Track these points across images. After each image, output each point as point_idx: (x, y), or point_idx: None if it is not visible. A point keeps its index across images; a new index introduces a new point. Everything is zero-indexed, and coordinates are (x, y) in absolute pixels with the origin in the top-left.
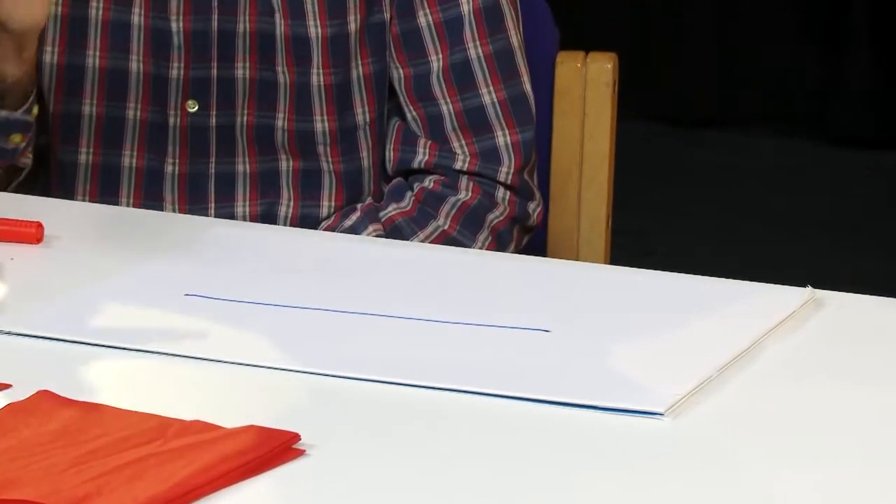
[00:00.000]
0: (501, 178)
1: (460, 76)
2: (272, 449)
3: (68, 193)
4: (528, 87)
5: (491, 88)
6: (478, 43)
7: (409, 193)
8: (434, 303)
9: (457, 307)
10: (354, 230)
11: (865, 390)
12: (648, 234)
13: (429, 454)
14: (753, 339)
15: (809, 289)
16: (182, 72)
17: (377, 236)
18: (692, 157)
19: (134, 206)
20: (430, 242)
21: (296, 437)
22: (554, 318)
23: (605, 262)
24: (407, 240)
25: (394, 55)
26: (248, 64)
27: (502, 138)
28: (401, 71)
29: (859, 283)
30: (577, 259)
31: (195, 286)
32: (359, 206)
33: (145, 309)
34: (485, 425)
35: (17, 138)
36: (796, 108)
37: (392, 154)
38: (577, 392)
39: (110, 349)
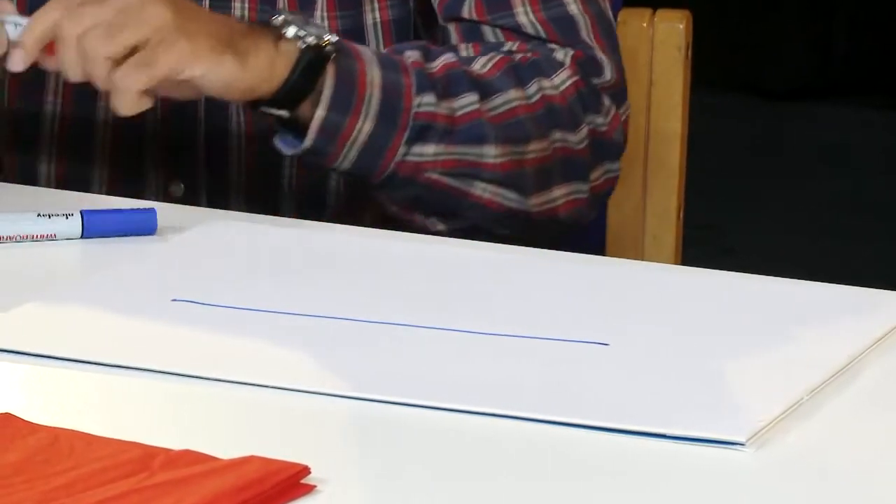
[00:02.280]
0: (558, 57)
1: None
2: (277, 484)
3: (28, 150)
4: (573, 8)
5: (528, 8)
6: None
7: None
8: (468, 310)
9: (496, 315)
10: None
11: None
12: (727, 229)
13: (463, 490)
14: (853, 355)
15: None
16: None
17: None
18: (781, 136)
19: (110, 172)
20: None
21: (304, 470)
22: (614, 328)
23: (676, 262)
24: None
25: None
26: (246, 3)
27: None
28: None
29: None
30: (642, 258)
31: (184, 290)
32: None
33: (125, 317)
34: (532, 456)
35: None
36: None
37: None
38: (640, 417)
39: (83, 364)
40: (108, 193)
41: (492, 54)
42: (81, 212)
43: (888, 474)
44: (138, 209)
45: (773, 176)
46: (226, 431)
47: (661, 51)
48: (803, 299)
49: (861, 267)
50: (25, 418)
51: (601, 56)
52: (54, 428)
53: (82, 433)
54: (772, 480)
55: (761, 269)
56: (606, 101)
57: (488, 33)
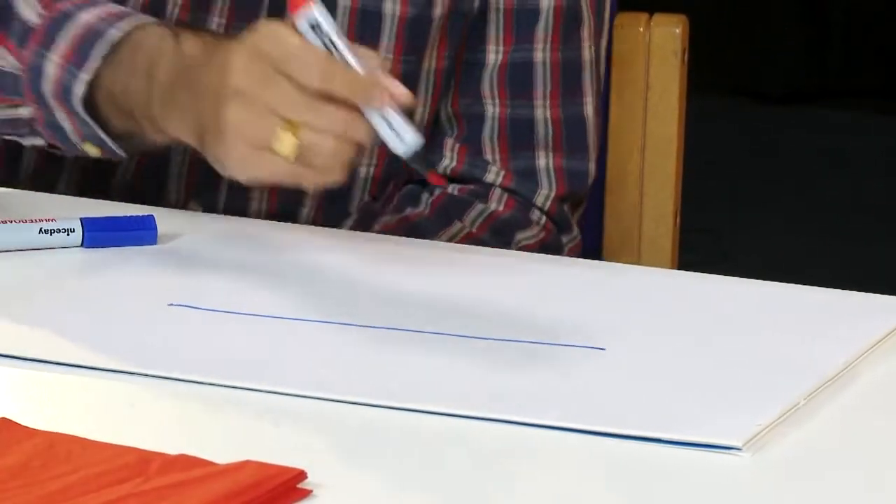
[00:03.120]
0: (538, 201)
1: (516, 78)
2: (273, 488)
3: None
4: (589, 110)
5: (547, 102)
6: (548, 46)
7: (425, 196)
8: (467, 315)
9: (494, 320)
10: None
11: None
12: (724, 234)
13: (461, 495)
14: (850, 360)
15: None
16: (223, 29)
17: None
18: (778, 140)
19: (132, 181)
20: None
21: (301, 474)
22: (610, 333)
23: (672, 267)
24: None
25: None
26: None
27: (544, 160)
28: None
29: None
30: (638, 263)
31: (181, 294)
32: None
33: (121, 321)
34: (528, 461)
35: (91, 149)
36: None
37: None
38: (637, 422)
39: (80, 369)
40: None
41: (475, 214)
42: (83, 225)
43: (885, 479)
44: (139, 219)
45: (770, 180)
46: (222, 436)
47: (657, 55)
48: (800, 303)
49: (858, 270)
50: (22, 423)
51: (592, 167)
52: (51, 433)
53: (78, 438)
54: (769, 485)
55: (758, 273)
56: (563, 238)
57: (487, 128)
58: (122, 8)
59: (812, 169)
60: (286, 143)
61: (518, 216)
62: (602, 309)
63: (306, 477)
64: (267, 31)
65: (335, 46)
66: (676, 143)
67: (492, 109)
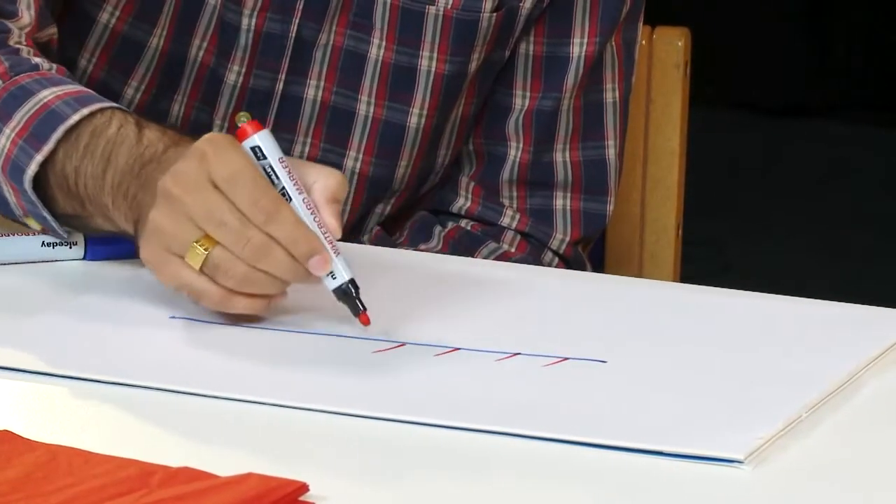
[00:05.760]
0: (553, 245)
1: (542, 124)
2: (275, 501)
3: None
4: (611, 152)
5: (567, 146)
6: (575, 93)
7: (437, 229)
8: (468, 327)
9: (495, 333)
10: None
11: None
12: (726, 246)
13: None
14: (851, 373)
15: None
16: (242, 78)
17: None
18: (780, 153)
19: None
20: None
21: (303, 487)
22: (612, 345)
23: (674, 279)
24: None
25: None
26: (322, 83)
27: (561, 202)
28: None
29: None
30: (640, 275)
31: (182, 306)
32: (365, 237)
33: (123, 334)
34: (530, 473)
35: (33, 223)
36: None
37: None
38: (638, 435)
39: (81, 381)
40: None
41: (486, 252)
42: (85, 238)
43: (887, 491)
44: None
45: (772, 192)
46: (224, 448)
47: (659, 68)
48: (801, 316)
49: (860, 284)
50: (24, 435)
51: (610, 209)
52: (52, 445)
53: (80, 450)
54: (770, 498)
55: (760, 286)
56: None
57: (507, 169)
58: (80, 88)
59: (814, 182)
60: (198, 255)
61: (529, 259)
62: (604, 321)
63: (308, 489)
64: (218, 143)
65: (276, 175)
66: (678, 156)
67: (514, 153)
